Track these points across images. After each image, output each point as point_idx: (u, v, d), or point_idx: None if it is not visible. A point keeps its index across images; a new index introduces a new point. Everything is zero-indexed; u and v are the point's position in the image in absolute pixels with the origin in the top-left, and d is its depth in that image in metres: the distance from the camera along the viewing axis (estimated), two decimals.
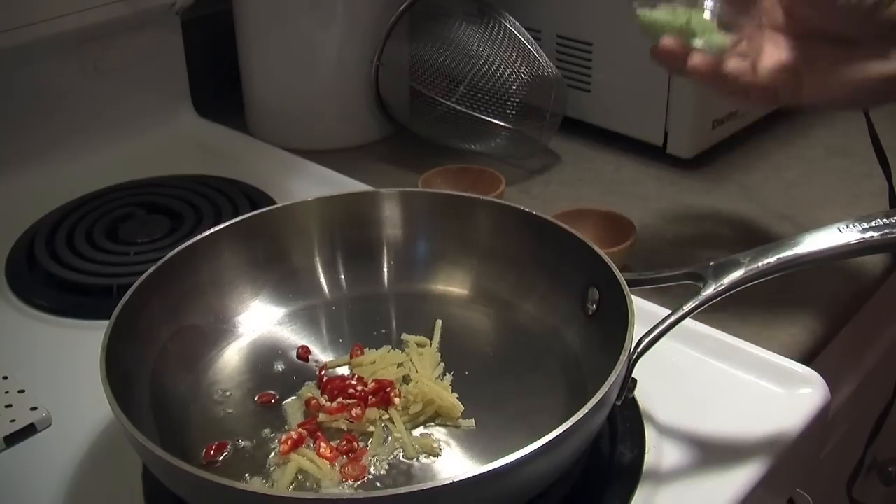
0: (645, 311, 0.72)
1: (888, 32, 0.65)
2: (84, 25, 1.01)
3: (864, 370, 1.03)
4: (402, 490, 0.50)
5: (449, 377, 0.69)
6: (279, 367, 0.71)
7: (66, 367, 0.74)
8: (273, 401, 0.68)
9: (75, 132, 1.06)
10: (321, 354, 0.72)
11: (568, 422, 0.53)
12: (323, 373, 0.70)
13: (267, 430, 0.65)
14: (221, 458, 0.63)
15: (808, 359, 0.77)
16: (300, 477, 0.61)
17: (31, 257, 0.89)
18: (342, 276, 0.78)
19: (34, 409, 0.69)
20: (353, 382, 0.67)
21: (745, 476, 0.62)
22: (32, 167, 1.02)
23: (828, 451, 0.95)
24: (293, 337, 0.74)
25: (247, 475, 0.61)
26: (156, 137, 1.12)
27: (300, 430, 0.64)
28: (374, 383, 0.67)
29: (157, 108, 1.14)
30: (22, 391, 0.70)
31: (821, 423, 0.68)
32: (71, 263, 0.87)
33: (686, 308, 0.61)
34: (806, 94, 0.70)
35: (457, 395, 0.66)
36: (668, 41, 0.70)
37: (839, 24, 0.67)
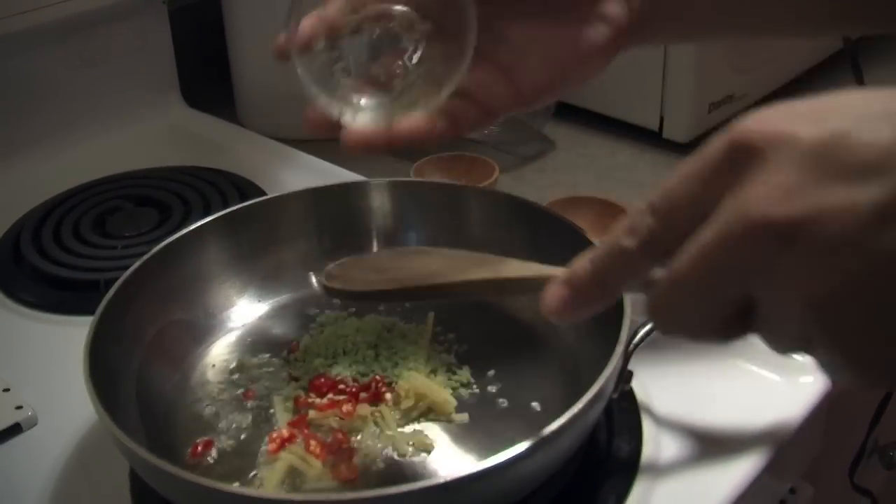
0: (642, 300, 0.70)
1: None
2: (69, 15, 1.00)
3: None
4: (394, 490, 0.49)
5: (442, 371, 0.67)
6: (268, 362, 0.70)
7: (52, 364, 0.73)
8: (261, 397, 0.67)
9: (61, 124, 1.05)
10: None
11: (563, 416, 0.52)
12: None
13: (255, 428, 0.64)
14: (208, 456, 0.62)
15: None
16: (286, 481, 0.59)
17: (18, 252, 0.88)
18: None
19: (19, 407, 0.68)
20: (344, 378, 0.66)
21: (745, 467, 0.61)
22: (18, 160, 1.01)
23: (829, 438, 0.94)
24: (282, 331, 0.73)
25: (249, 470, 0.60)
26: (144, 128, 1.10)
27: (289, 428, 0.62)
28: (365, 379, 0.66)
29: (145, 98, 1.13)
30: (7, 389, 0.69)
31: (822, 412, 0.67)
32: (57, 258, 0.85)
33: None
34: (526, 91, 0.61)
35: (450, 390, 0.65)
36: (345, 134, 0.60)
37: None
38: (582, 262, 0.43)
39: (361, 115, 0.59)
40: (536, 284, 0.49)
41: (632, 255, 0.41)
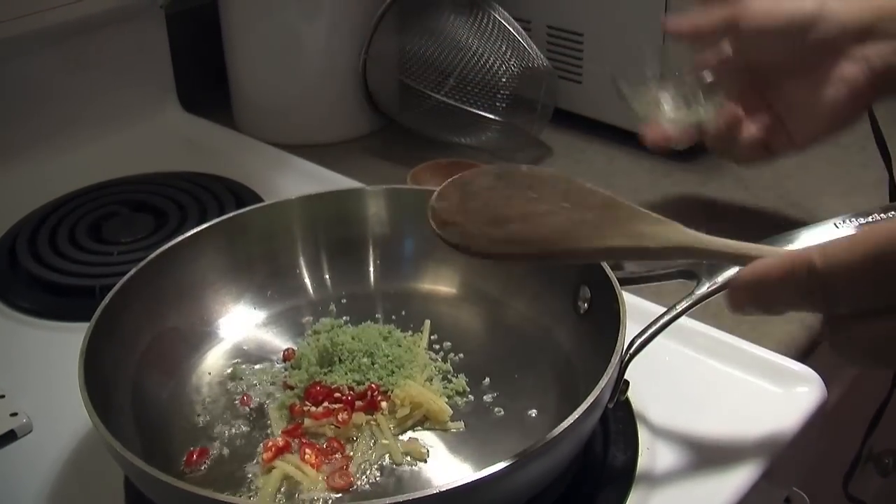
0: (638, 309, 0.70)
1: (819, 56, 0.73)
2: (67, 20, 1.00)
3: None
4: (390, 500, 0.48)
5: (437, 379, 0.67)
6: (263, 370, 0.70)
7: (47, 370, 0.72)
8: (257, 406, 0.66)
9: (58, 128, 1.05)
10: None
11: (559, 427, 0.52)
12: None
13: (250, 436, 0.64)
14: (203, 464, 0.61)
15: (804, 354, 0.76)
16: (283, 489, 0.59)
17: (13, 258, 0.87)
18: (327, 276, 0.77)
19: (14, 414, 0.67)
20: (340, 386, 0.66)
21: (740, 477, 0.61)
22: (13, 165, 1.00)
23: (824, 446, 0.94)
24: (277, 339, 0.73)
25: (244, 479, 0.60)
26: (141, 133, 1.10)
27: (284, 436, 0.62)
28: (360, 387, 0.66)
29: (142, 103, 1.12)
30: (2, 396, 0.69)
31: (818, 422, 0.67)
32: (53, 264, 0.85)
33: (679, 307, 0.60)
34: (797, 139, 0.77)
35: (445, 398, 0.65)
36: (647, 129, 0.84)
37: (779, 53, 0.75)
38: (751, 281, 0.49)
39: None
40: (678, 253, 0.53)
41: (796, 307, 0.47)
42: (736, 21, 0.75)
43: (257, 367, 0.70)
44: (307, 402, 0.65)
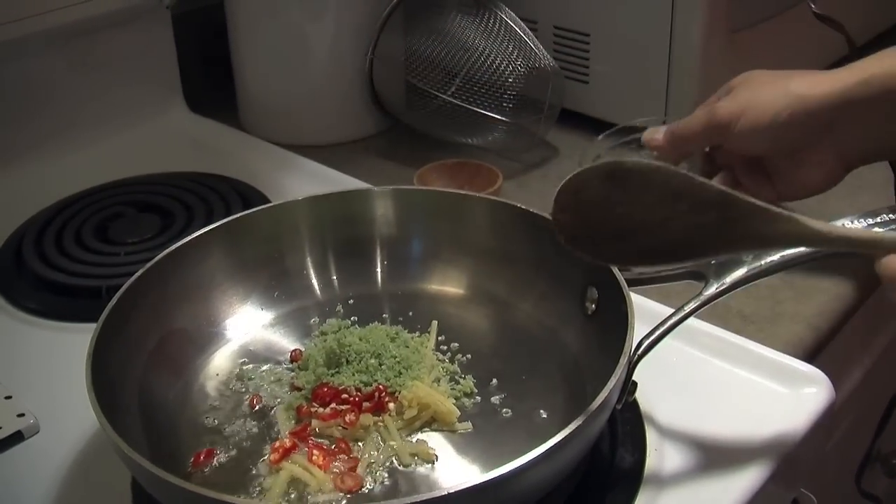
0: (645, 310, 0.70)
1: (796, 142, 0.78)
2: (73, 20, 1.00)
3: (869, 363, 1.01)
4: (397, 502, 0.48)
5: (445, 380, 0.67)
6: (271, 371, 0.70)
7: (54, 371, 0.72)
8: (264, 407, 0.66)
9: (64, 129, 1.05)
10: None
11: (567, 428, 0.52)
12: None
13: (257, 438, 0.64)
14: (210, 465, 0.61)
15: (811, 355, 0.76)
16: (288, 492, 0.59)
17: (20, 258, 0.87)
18: (334, 277, 0.77)
19: (21, 415, 0.67)
20: (347, 387, 0.66)
21: (749, 478, 0.61)
22: (20, 166, 1.01)
23: (833, 445, 0.94)
24: (284, 340, 0.73)
25: (251, 480, 0.60)
26: (147, 134, 1.10)
27: (292, 437, 0.62)
28: (368, 388, 0.66)
29: (148, 103, 1.12)
30: (9, 397, 0.69)
31: (826, 423, 0.66)
32: (59, 265, 0.85)
33: (687, 309, 0.60)
34: (784, 195, 0.82)
35: (453, 399, 0.65)
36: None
37: (764, 148, 0.80)
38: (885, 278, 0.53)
39: None
40: (801, 245, 0.58)
41: None
42: (723, 133, 0.80)
43: (264, 367, 0.70)
44: (314, 404, 0.65)
